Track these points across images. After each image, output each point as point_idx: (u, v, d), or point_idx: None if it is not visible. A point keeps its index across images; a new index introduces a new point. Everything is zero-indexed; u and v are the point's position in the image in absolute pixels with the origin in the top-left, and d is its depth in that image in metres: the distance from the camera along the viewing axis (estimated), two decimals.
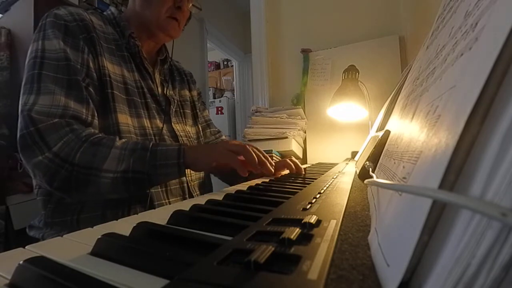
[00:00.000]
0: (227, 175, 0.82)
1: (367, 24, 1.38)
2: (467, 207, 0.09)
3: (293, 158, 0.72)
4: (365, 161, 0.41)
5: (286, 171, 0.72)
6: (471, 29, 0.16)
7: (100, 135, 0.53)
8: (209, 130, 0.92)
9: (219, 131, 0.95)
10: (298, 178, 0.62)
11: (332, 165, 1.02)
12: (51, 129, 0.48)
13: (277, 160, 1.09)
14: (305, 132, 1.39)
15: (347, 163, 0.99)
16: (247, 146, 0.54)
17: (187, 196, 0.67)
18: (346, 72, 1.16)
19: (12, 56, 1.33)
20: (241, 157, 0.54)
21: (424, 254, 0.12)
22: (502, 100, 0.11)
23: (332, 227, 0.21)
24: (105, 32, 0.63)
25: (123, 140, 0.54)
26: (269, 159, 0.58)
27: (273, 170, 0.58)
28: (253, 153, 0.53)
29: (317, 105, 1.43)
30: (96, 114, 0.55)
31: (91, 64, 0.56)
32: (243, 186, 0.50)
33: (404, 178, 0.19)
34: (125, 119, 0.59)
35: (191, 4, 0.68)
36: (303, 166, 0.75)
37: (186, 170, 0.53)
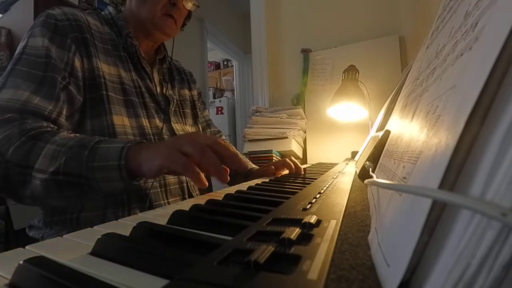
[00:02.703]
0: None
1: (367, 24, 1.38)
2: (467, 207, 0.09)
3: (293, 158, 0.72)
4: (365, 161, 0.41)
5: (286, 171, 0.72)
6: (471, 29, 0.16)
7: (47, 129, 0.45)
8: (209, 130, 0.92)
9: (219, 131, 0.95)
10: (298, 178, 0.62)
11: (332, 165, 1.02)
12: (1, 123, 0.44)
13: (277, 160, 1.09)
14: (305, 132, 1.39)
15: (347, 163, 0.99)
16: (206, 147, 0.39)
17: (186, 196, 0.67)
18: (346, 72, 1.16)
19: (12, 56, 1.33)
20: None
21: (424, 254, 0.12)
22: (502, 100, 0.11)
23: (332, 227, 0.21)
24: (101, 32, 0.62)
25: (72, 135, 0.46)
26: (238, 154, 0.44)
27: (244, 165, 0.45)
28: (213, 155, 0.38)
29: (317, 105, 1.43)
30: (64, 113, 0.52)
31: (77, 64, 0.55)
32: (243, 186, 0.50)
33: (404, 178, 0.19)
34: (121, 120, 0.58)
35: (190, 3, 0.68)
36: (303, 166, 0.75)
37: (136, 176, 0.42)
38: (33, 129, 0.44)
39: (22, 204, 0.47)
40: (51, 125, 0.48)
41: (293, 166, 0.68)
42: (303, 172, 0.70)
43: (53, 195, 0.42)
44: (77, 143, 0.42)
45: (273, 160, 1.08)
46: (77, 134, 0.47)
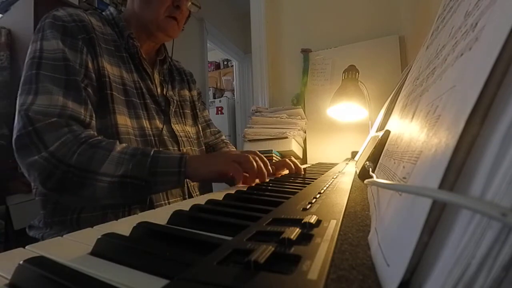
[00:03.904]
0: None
1: (367, 24, 1.38)
2: (467, 207, 0.09)
3: (293, 158, 0.72)
4: (365, 161, 0.41)
5: (286, 171, 0.72)
6: (471, 29, 0.16)
7: (100, 137, 0.52)
8: (209, 130, 0.91)
9: (219, 131, 0.95)
10: (298, 178, 0.62)
11: (332, 165, 1.02)
12: (48, 128, 0.48)
13: (277, 160, 1.09)
14: (305, 132, 1.39)
15: (347, 163, 0.99)
16: (249, 155, 0.53)
17: (186, 196, 0.67)
18: (346, 72, 1.15)
19: (12, 56, 1.34)
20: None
21: (424, 254, 0.12)
22: (502, 100, 0.11)
23: (332, 227, 0.21)
24: (104, 33, 0.63)
25: (124, 144, 0.53)
26: (268, 166, 0.56)
27: (266, 180, 0.56)
28: (254, 166, 0.52)
29: (317, 105, 1.43)
30: (94, 116, 0.55)
31: (89, 65, 0.56)
32: (243, 186, 0.50)
33: (404, 178, 0.19)
34: (123, 120, 0.59)
35: (190, 3, 0.68)
36: (303, 166, 0.75)
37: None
38: (89, 137, 0.50)
39: (65, 201, 0.53)
40: (94, 132, 0.53)
41: (293, 166, 0.68)
42: (303, 172, 0.70)
43: (114, 195, 0.49)
44: (136, 151, 0.50)
45: (273, 160, 1.08)
46: (127, 144, 0.54)
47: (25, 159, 0.48)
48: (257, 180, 0.54)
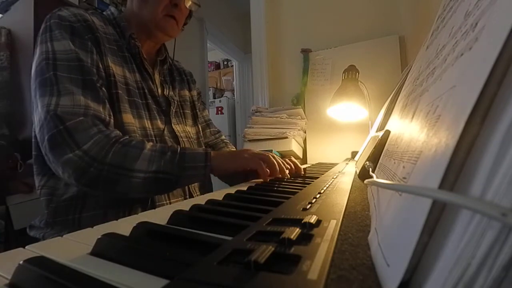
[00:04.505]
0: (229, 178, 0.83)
1: (367, 24, 1.38)
2: (467, 207, 0.09)
3: (293, 158, 0.72)
4: (365, 161, 0.41)
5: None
6: (471, 29, 0.16)
7: (127, 136, 0.55)
8: (209, 130, 0.91)
9: (218, 131, 0.95)
10: (298, 178, 0.62)
11: (332, 165, 1.02)
12: (79, 127, 0.49)
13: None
14: (305, 132, 1.39)
15: (347, 163, 0.99)
16: (270, 156, 0.59)
17: (187, 196, 0.67)
18: (346, 72, 1.15)
19: (12, 56, 1.33)
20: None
21: (424, 254, 0.12)
22: (502, 100, 0.11)
23: (332, 227, 0.21)
24: (106, 32, 0.63)
25: (151, 143, 0.56)
26: (287, 165, 0.64)
27: (288, 176, 0.61)
28: (275, 163, 0.58)
29: (317, 105, 1.43)
30: (112, 114, 0.56)
31: (100, 64, 0.57)
32: (243, 186, 0.50)
33: (404, 178, 0.19)
34: (130, 119, 0.59)
35: (190, 2, 0.68)
36: (303, 166, 0.75)
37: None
38: (120, 137, 0.53)
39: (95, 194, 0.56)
40: (119, 132, 0.55)
41: (293, 166, 0.69)
42: (303, 172, 0.70)
43: (148, 189, 0.52)
44: (164, 149, 0.54)
45: None
46: (154, 143, 0.58)
47: (60, 157, 0.48)
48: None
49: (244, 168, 0.57)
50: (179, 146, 0.56)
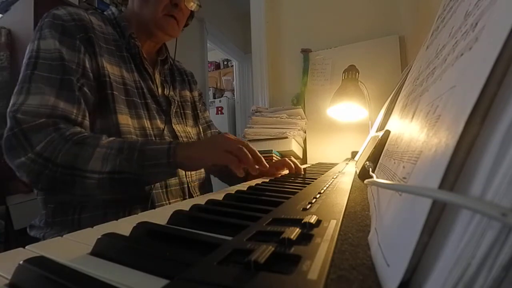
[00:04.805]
0: (225, 176, 0.82)
1: (367, 24, 1.38)
2: (467, 207, 0.09)
3: (293, 158, 0.72)
4: (365, 161, 0.41)
5: (286, 171, 0.72)
6: (471, 29, 0.16)
7: (86, 133, 0.51)
8: (209, 131, 0.92)
9: (219, 132, 0.95)
10: (298, 178, 0.62)
11: (332, 165, 1.02)
12: (35, 129, 0.47)
13: (277, 159, 1.09)
14: (305, 132, 1.39)
15: (347, 163, 0.99)
16: (242, 147, 0.51)
17: (187, 197, 0.67)
18: (346, 72, 1.15)
19: (12, 56, 1.33)
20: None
21: (424, 254, 0.12)
22: (502, 100, 0.11)
23: (332, 227, 0.21)
24: (104, 32, 0.62)
25: (110, 138, 0.52)
26: (263, 159, 0.56)
27: (268, 166, 0.56)
28: (247, 152, 0.51)
29: (317, 105, 1.43)
30: (87, 115, 0.54)
31: (87, 64, 0.56)
32: (243, 186, 0.50)
33: (404, 178, 0.19)
34: (125, 120, 0.59)
35: (191, 3, 0.68)
36: (303, 166, 0.75)
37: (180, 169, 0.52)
38: (75, 134, 0.49)
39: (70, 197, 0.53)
40: (81, 129, 0.52)
41: (293, 166, 0.69)
42: (303, 172, 0.70)
43: (104, 191, 0.49)
44: (123, 145, 0.49)
45: (273, 160, 1.08)
46: (114, 138, 0.52)
47: (13, 160, 0.48)
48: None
49: (214, 163, 0.51)
50: (140, 140, 0.51)
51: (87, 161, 0.47)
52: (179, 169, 0.53)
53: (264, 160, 0.55)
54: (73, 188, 0.48)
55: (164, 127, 0.66)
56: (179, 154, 0.49)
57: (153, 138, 0.63)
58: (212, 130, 0.93)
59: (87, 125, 0.54)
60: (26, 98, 0.49)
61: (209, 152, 0.51)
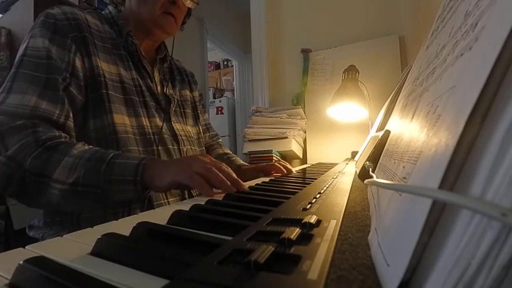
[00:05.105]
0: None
1: (367, 24, 1.38)
2: (467, 207, 0.09)
3: (281, 161, 0.73)
4: (365, 161, 0.41)
5: (278, 175, 0.72)
6: (471, 29, 0.16)
7: (62, 139, 0.48)
8: (208, 134, 0.93)
9: (216, 134, 0.97)
10: (298, 178, 0.62)
11: (332, 165, 1.02)
12: (11, 131, 0.45)
13: (277, 159, 1.09)
14: (305, 132, 1.39)
15: (347, 163, 0.99)
16: (211, 167, 0.45)
17: (186, 196, 0.67)
18: (346, 72, 1.16)
19: (12, 56, 1.33)
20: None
21: (424, 254, 0.12)
22: (502, 100, 0.11)
23: (332, 227, 0.21)
24: (101, 30, 0.62)
25: (86, 146, 0.48)
26: (232, 174, 0.47)
27: (246, 187, 0.47)
28: (218, 173, 0.44)
29: (317, 105, 1.43)
30: (71, 116, 0.53)
31: (78, 64, 0.55)
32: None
33: (404, 178, 0.19)
34: (121, 119, 0.58)
35: (189, 1, 0.68)
36: (303, 166, 0.75)
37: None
38: (49, 139, 0.46)
39: (35, 208, 0.49)
40: (63, 134, 0.49)
41: (283, 169, 0.70)
42: (293, 171, 0.70)
43: (69, 203, 0.45)
44: (93, 156, 0.45)
45: (273, 160, 1.08)
46: (91, 146, 0.49)
47: None
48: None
49: (182, 183, 0.44)
50: (113, 153, 0.46)
51: (54, 169, 0.44)
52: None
53: (240, 180, 0.47)
54: (38, 196, 0.45)
55: (163, 125, 0.66)
56: (149, 172, 0.44)
57: (152, 136, 0.63)
58: (210, 133, 0.94)
59: (70, 126, 0.52)
60: (6, 97, 0.47)
61: (177, 171, 0.44)
